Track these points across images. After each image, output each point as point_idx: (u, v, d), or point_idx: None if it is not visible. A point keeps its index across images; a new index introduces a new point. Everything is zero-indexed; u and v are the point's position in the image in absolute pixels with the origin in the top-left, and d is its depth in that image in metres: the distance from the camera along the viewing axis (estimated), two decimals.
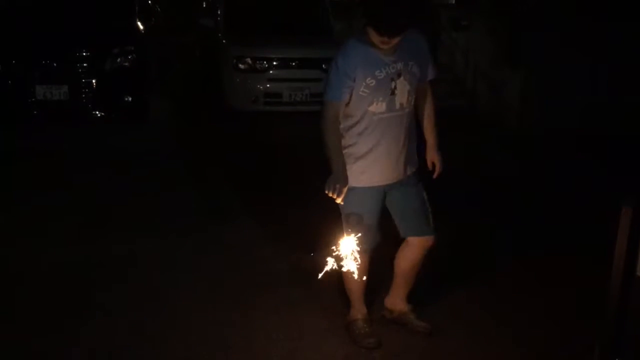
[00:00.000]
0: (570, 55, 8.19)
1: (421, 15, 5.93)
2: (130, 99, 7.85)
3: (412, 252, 3.52)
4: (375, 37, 3.07)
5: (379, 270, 3.63)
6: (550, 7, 8.84)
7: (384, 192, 3.34)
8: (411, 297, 3.66)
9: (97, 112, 7.71)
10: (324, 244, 3.21)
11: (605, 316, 2.15)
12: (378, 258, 3.52)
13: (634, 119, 7.85)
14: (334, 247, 3.19)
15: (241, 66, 8.48)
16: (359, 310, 3.57)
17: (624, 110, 8.08)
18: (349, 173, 3.26)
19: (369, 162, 3.26)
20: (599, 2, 8.50)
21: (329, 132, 3.17)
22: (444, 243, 3.55)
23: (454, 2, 12.28)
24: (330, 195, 3.14)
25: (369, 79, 3.14)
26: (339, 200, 3.15)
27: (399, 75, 3.18)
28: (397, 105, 3.22)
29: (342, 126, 3.26)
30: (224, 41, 9.00)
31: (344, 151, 3.27)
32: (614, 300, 2.06)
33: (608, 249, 2.15)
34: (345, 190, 3.15)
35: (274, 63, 8.50)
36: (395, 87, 3.18)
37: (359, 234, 3.28)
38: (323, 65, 8.26)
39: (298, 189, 5.50)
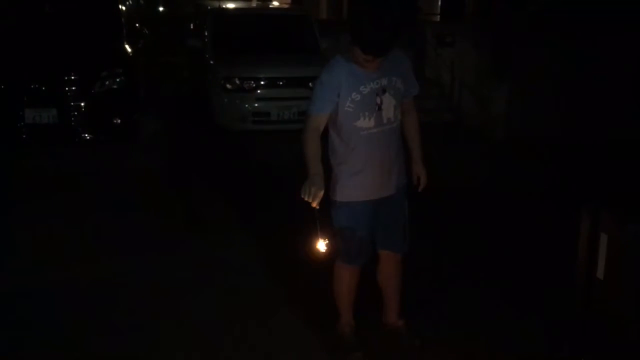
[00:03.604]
0: (554, 67, 8.35)
1: (407, 32, 6.01)
2: (119, 121, 7.90)
3: (384, 265, 3.59)
4: (359, 56, 3.14)
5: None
6: (533, 21, 9.01)
7: (376, 205, 3.39)
8: (403, 312, 3.69)
9: (87, 135, 7.75)
10: (313, 257, 3.25)
11: (572, 317, 2.21)
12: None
13: (618, 129, 8.01)
14: (324, 259, 3.24)
15: (229, 86, 8.57)
16: (346, 322, 3.61)
17: (608, 120, 8.24)
18: (343, 189, 3.33)
19: (363, 177, 3.32)
20: (582, 16, 8.67)
21: (308, 141, 3.22)
22: (429, 256, 3.59)
23: (438, 19, 12.46)
24: (306, 199, 3.16)
25: (354, 94, 3.21)
26: (314, 204, 3.17)
27: (383, 91, 3.26)
28: (385, 120, 3.29)
29: (335, 143, 3.34)
30: (211, 62, 9.10)
31: (338, 168, 3.35)
32: (578, 301, 2.12)
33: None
34: (320, 194, 3.17)
35: (262, 82, 8.59)
36: (381, 103, 3.26)
37: (351, 248, 3.36)
38: (310, 84, 8.35)
39: (288, 204, 5.55)
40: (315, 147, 3.23)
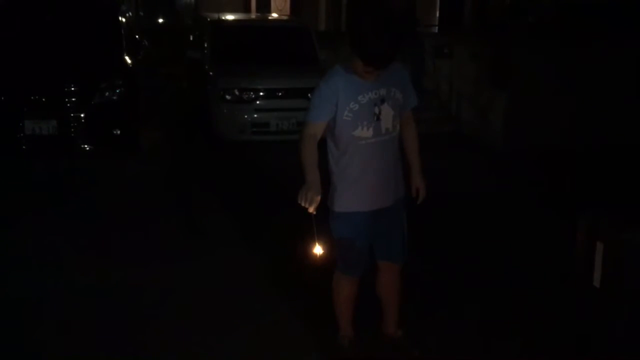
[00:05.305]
0: (553, 76, 8.39)
1: (405, 43, 6.03)
2: (119, 132, 7.91)
3: (383, 275, 3.61)
4: (360, 67, 3.16)
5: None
6: (532, 30, 9.07)
7: (375, 216, 3.40)
8: (402, 322, 3.70)
9: (86, 146, 7.76)
10: (311, 262, 3.26)
11: (569, 324, 2.21)
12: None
13: (618, 136, 8.06)
14: (321, 263, 3.24)
15: (228, 97, 8.60)
16: (345, 332, 3.63)
17: (608, 128, 8.29)
18: (341, 199, 3.35)
19: (361, 187, 3.33)
20: (581, 24, 8.73)
21: (305, 148, 3.23)
22: (428, 266, 3.60)
23: (436, 30, 12.52)
24: (303, 204, 3.16)
25: (352, 103, 3.23)
26: (311, 210, 3.17)
27: (382, 101, 3.28)
28: (383, 130, 3.31)
29: (333, 153, 3.36)
30: (211, 73, 9.13)
31: (336, 177, 3.37)
32: (575, 310, 2.13)
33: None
34: (317, 199, 3.16)
35: (261, 93, 8.62)
36: (379, 113, 3.27)
37: (350, 258, 3.38)
38: (309, 95, 8.32)
39: (287, 214, 5.57)
40: (312, 154, 3.24)
